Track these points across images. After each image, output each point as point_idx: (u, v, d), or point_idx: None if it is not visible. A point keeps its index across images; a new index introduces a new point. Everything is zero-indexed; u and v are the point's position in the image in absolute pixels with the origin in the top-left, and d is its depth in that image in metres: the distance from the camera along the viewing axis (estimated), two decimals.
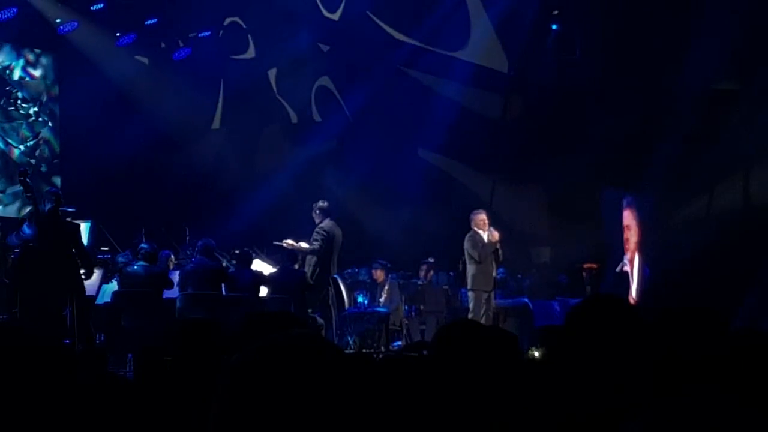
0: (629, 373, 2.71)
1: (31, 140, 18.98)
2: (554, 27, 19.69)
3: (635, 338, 3.02)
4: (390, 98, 20.79)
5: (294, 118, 21.76)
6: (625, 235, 17.92)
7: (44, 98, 19.32)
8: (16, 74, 18.95)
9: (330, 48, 21.40)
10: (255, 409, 1.81)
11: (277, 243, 15.32)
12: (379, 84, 20.86)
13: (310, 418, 1.81)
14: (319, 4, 20.73)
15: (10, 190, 18.26)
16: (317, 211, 15.31)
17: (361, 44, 20.85)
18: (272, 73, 21.37)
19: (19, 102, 18.89)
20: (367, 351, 14.53)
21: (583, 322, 3.17)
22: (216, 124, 21.19)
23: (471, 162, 21.04)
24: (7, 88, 18.72)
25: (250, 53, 20.94)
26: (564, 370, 3.12)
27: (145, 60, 19.82)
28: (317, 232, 15.06)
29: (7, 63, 18.80)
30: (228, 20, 20.40)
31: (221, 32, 20.30)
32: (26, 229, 12.01)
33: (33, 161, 18.61)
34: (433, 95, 21.14)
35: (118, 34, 19.19)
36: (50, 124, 19.36)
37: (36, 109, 19.14)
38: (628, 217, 17.88)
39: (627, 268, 17.79)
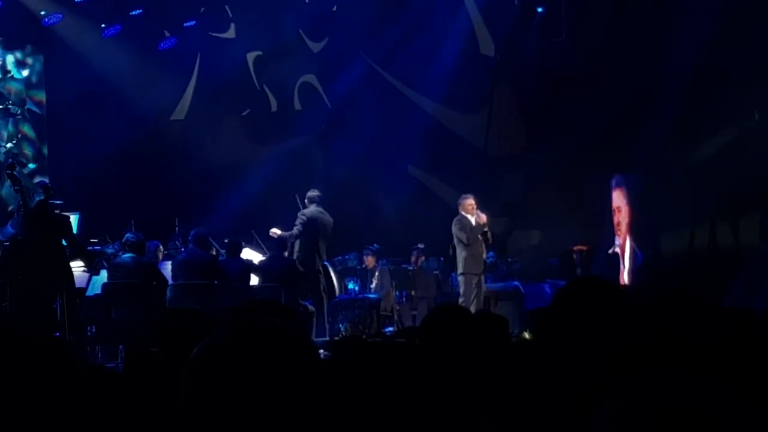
0: (614, 352, 2.71)
1: (16, 138, 18.99)
2: (540, 10, 19.67)
3: (620, 319, 3.02)
4: (371, 96, 20.86)
5: (274, 106, 21.73)
6: (615, 219, 17.90)
7: (28, 96, 19.31)
8: (1, 72, 18.94)
9: (321, 48, 21.40)
10: (211, 399, 1.83)
11: (272, 232, 15.36)
12: (362, 80, 20.92)
13: (264, 408, 1.82)
14: None
15: None
16: (306, 200, 15.44)
17: (349, 39, 20.84)
18: (251, 58, 21.28)
19: (7, 103, 18.91)
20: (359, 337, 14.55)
21: (569, 304, 3.16)
22: (181, 114, 21.05)
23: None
24: None
25: (230, 33, 20.86)
26: (551, 350, 3.11)
27: (130, 51, 19.73)
28: (297, 217, 15.24)
29: None
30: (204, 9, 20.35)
31: (203, 9, 20.17)
32: (13, 224, 11.98)
33: (14, 156, 18.55)
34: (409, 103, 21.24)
35: (103, 26, 19.15)
36: (33, 122, 19.36)
37: (20, 108, 19.14)
38: (618, 198, 17.85)
39: (618, 250, 17.80)
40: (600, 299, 3.10)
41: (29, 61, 19.39)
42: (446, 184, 20.28)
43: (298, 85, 21.63)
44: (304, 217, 15.19)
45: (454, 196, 16.60)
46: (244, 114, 21.52)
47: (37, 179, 17.21)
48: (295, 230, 15.19)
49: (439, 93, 20.80)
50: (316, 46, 21.45)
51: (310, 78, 21.65)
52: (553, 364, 3.04)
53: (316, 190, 15.61)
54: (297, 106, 21.74)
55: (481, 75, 20.59)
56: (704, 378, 1.38)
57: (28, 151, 19.30)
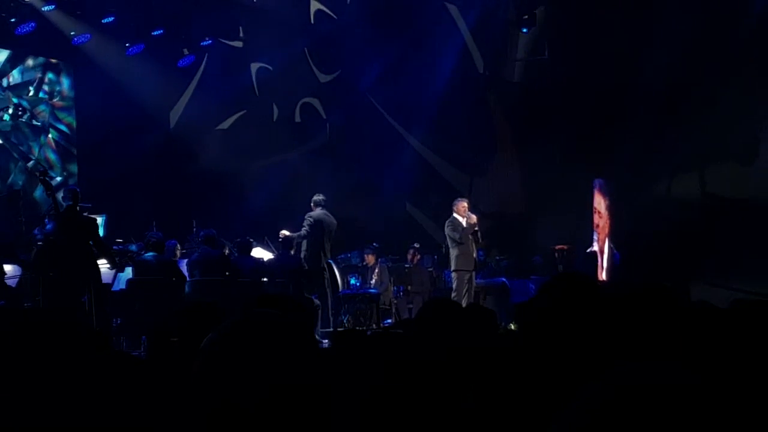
0: (591, 341, 2.72)
1: (46, 148, 19.08)
2: (524, 30, 19.68)
3: (597, 311, 3.03)
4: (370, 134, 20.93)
5: (275, 117, 21.75)
6: (595, 219, 17.88)
7: (58, 116, 19.38)
8: (35, 88, 18.99)
9: (330, 80, 21.40)
10: (219, 381, 1.89)
11: (282, 234, 15.35)
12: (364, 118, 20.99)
13: (266, 389, 1.86)
14: (312, 17, 20.74)
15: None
16: (312, 203, 15.41)
17: (356, 78, 20.84)
18: (254, 68, 21.27)
19: (41, 120, 18.99)
20: (360, 328, 14.60)
21: (551, 297, 3.18)
22: (172, 120, 20.99)
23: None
24: (26, 103, 18.81)
25: (238, 43, 20.86)
26: (534, 340, 3.12)
27: (151, 67, 19.75)
28: (305, 219, 15.18)
29: (27, 77, 18.86)
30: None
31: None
32: (47, 224, 12.03)
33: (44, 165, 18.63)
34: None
35: (127, 45, 19.18)
36: (62, 138, 19.43)
37: (51, 125, 19.23)
38: (598, 202, 17.82)
39: (596, 249, 17.78)
40: (579, 293, 3.11)
41: (63, 85, 19.44)
42: (431, 220, 20.31)
43: (300, 103, 21.67)
44: (311, 219, 15.16)
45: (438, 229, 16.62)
46: (234, 119, 21.39)
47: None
48: (302, 231, 15.18)
49: (433, 140, 20.91)
50: (324, 77, 21.46)
51: (314, 101, 21.67)
52: (536, 352, 3.06)
53: (321, 195, 15.57)
54: (297, 119, 21.77)
55: (472, 91, 20.58)
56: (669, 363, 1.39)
57: (56, 163, 19.32)
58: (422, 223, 21.08)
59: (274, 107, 21.63)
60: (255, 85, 21.36)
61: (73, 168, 19.50)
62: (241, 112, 21.41)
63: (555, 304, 3.14)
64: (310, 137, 21.34)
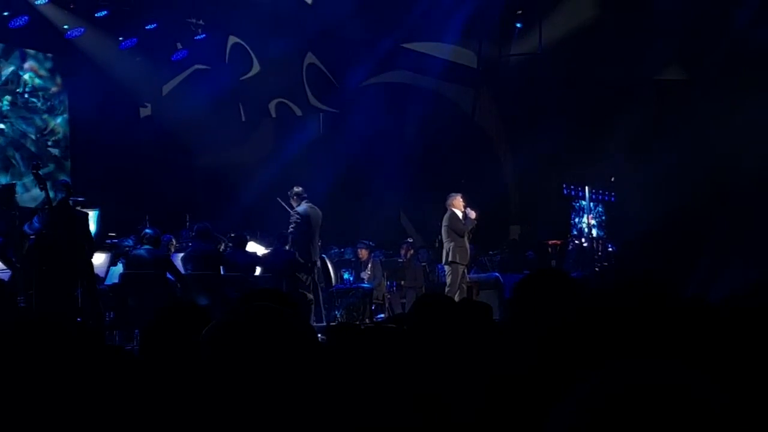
0: (568, 337, 2.74)
1: (46, 130, 19.06)
2: (518, 25, 19.70)
3: (574, 306, 3.06)
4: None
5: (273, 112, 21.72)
6: (587, 217, 17.95)
7: (55, 96, 19.36)
8: (29, 75, 18.95)
9: (324, 108, 21.36)
10: (221, 371, 1.92)
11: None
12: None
13: (267, 380, 1.88)
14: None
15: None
16: (294, 197, 14.87)
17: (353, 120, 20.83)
18: (231, 41, 21.17)
19: (34, 100, 18.94)
20: (353, 323, 14.57)
21: (526, 293, 3.21)
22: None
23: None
24: (20, 89, 18.75)
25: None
26: (512, 335, 3.15)
27: (145, 61, 19.72)
28: (291, 216, 14.59)
29: (19, 65, 18.82)
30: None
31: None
32: (38, 219, 12.02)
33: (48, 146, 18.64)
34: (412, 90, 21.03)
35: (120, 39, 19.17)
36: (64, 116, 19.40)
37: (48, 104, 19.19)
38: (590, 198, 17.89)
39: (585, 245, 17.84)
40: (555, 289, 3.14)
41: (52, 64, 19.39)
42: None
43: (275, 102, 21.62)
44: (297, 217, 14.56)
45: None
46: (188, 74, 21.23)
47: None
48: (289, 230, 14.72)
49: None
50: (316, 102, 21.42)
51: (295, 108, 21.62)
52: (515, 345, 3.09)
53: (300, 187, 14.99)
54: (273, 114, 21.72)
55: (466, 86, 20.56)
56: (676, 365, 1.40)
57: (58, 133, 19.34)
58: (414, 225, 21.10)
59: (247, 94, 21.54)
60: (227, 54, 21.16)
61: (63, 175, 19.31)
62: (203, 67, 21.15)
63: (529, 301, 3.17)
64: (294, 131, 21.28)
